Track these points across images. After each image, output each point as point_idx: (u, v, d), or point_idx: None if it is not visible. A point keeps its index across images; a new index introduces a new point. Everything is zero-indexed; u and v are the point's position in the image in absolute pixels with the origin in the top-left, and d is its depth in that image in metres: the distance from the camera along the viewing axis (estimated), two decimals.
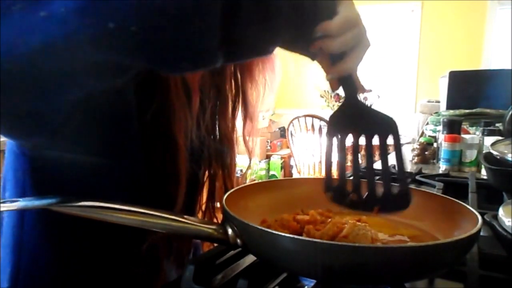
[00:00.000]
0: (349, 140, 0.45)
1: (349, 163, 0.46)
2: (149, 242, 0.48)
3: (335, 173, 0.46)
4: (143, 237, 0.48)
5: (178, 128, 0.49)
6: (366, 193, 0.45)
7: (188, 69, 0.38)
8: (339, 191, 0.45)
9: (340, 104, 0.45)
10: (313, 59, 0.43)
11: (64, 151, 0.44)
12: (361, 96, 0.45)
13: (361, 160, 0.48)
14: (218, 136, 0.62)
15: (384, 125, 0.44)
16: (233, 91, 0.61)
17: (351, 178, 0.46)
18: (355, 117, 0.45)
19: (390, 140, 0.45)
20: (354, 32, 0.40)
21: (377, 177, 0.47)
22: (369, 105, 0.45)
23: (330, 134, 0.45)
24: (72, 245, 0.49)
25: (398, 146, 0.44)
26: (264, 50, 0.37)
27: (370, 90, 3.56)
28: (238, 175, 0.68)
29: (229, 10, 0.31)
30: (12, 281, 0.48)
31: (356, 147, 0.45)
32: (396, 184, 0.46)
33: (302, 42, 0.41)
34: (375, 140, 0.45)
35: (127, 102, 0.46)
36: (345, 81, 0.44)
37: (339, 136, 0.45)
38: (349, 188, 0.45)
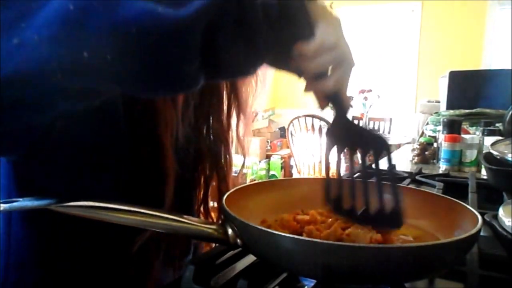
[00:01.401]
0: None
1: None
2: (138, 243, 0.48)
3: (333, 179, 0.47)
4: (130, 237, 0.48)
5: (163, 128, 0.49)
6: (361, 210, 0.45)
7: (167, 93, 0.38)
8: (338, 202, 0.46)
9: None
10: (299, 76, 0.43)
11: (49, 156, 0.43)
12: (351, 111, 0.46)
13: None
14: (211, 136, 0.62)
15: (377, 142, 0.45)
16: (226, 90, 0.61)
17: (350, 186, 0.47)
18: (348, 132, 0.46)
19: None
20: (331, 54, 0.40)
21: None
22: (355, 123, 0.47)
23: (328, 147, 0.46)
24: (61, 249, 0.48)
25: (391, 163, 0.45)
26: (246, 71, 0.36)
27: (370, 90, 3.56)
28: (236, 174, 0.68)
29: (208, 33, 0.31)
30: (1, 285, 0.48)
31: (352, 159, 0.46)
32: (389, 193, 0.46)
33: (284, 61, 0.41)
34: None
35: (112, 104, 0.45)
36: (332, 100, 0.44)
37: (337, 148, 0.46)
38: (346, 199, 0.46)
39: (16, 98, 0.29)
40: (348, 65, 0.42)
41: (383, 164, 0.47)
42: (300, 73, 0.42)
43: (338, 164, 0.46)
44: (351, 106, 0.46)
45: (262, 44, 0.35)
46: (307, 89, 0.43)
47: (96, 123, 0.43)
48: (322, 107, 0.46)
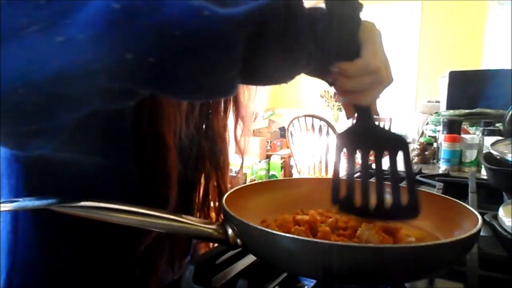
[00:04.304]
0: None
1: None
2: (144, 244, 0.48)
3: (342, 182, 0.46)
4: (136, 238, 0.48)
5: (167, 127, 0.49)
6: (375, 203, 0.45)
7: (202, 98, 0.37)
8: (347, 201, 0.45)
9: (340, 106, 0.45)
10: (330, 85, 0.43)
11: (58, 155, 0.43)
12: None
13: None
14: (211, 136, 0.62)
15: (393, 142, 0.45)
16: None
17: (360, 187, 0.45)
18: (364, 135, 0.45)
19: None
20: (371, 77, 0.40)
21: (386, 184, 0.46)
22: (379, 125, 0.46)
23: (338, 149, 0.45)
24: (66, 250, 0.48)
25: (407, 160, 0.44)
26: (281, 80, 0.36)
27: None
28: (234, 174, 0.68)
29: (252, 39, 0.30)
30: (6, 285, 0.48)
31: (365, 159, 0.45)
32: (405, 192, 0.45)
33: (321, 73, 0.41)
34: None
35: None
36: (362, 109, 0.44)
37: (348, 150, 0.45)
38: (357, 197, 0.45)
39: (58, 95, 0.29)
40: (385, 85, 0.42)
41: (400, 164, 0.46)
42: (333, 84, 0.42)
43: (349, 167, 0.45)
44: (378, 114, 0.46)
45: (303, 57, 0.34)
46: (339, 98, 0.44)
47: (102, 123, 0.43)
48: (350, 116, 0.46)
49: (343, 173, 0.47)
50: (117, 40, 0.26)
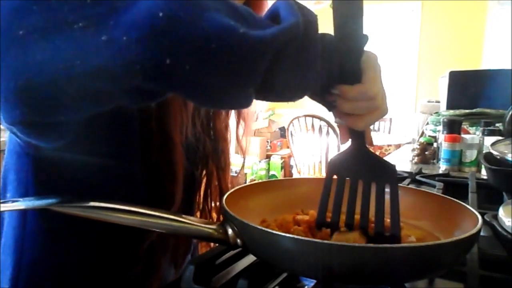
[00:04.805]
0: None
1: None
2: (147, 241, 0.49)
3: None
4: (140, 236, 0.48)
5: (174, 125, 0.50)
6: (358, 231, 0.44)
7: (221, 107, 0.37)
8: (331, 227, 0.45)
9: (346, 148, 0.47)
10: (329, 110, 0.45)
11: (67, 150, 0.44)
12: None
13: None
14: (213, 136, 0.62)
15: (383, 173, 0.45)
16: None
17: (345, 216, 0.45)
18: (356, 162, 0.46)
19: None
20: (368, 103, 0.42)
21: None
22: (372, 152, 0.47)
23: (328, 174, 0.46)
24: (72, 246, 0.49)
25: (394, 197, 0.44)
26: (291, 98, 0.38)
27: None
28: (235, 174, 0.68)
29: (273, 60, 0.32)
30: (13, 281, 0.48)
31: (353, 188, 0.45)
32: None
33: (322, 93, 0.43)
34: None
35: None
36: (356, 134, 0.46)
37: (338, 176, 0.46)
38: (341, 226, 0.45)
39: (94, 91, 0.30)
40: (380, 114, 0.44)
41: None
42: (331, 107, 0.44)
43: (337, 194, 0.45)
44: (372, 144, 0.48)
45: (312, 77, 0.36)
46: (336, 120, 0.46)
47: (109, 121, 0.44)
48: (344, 140, 0.48)
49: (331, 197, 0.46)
50: (158, 45, 0.28)
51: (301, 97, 0.38)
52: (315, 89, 0.40)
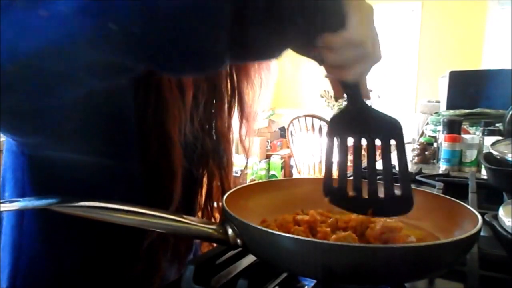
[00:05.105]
0: (350, 141, 0.44)
1: (349, 163, 0.45)
2: (148, 240, 0.49)
3: (335, 174, 0.45)
4: (141, 235, 0.48)
5: (172, 123, 0.49)
6: (367, 196, 0.44)
7: (192, 72, 0.37)
8: (339, 193, 0.44)
9: (340, 106, 0.45)
10: (320, 64, 0.42)
11: (63, 149, 0.44)
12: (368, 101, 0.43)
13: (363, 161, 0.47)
14: (214, 135, 0.62)
15: (386, 128, 0.43)
16: (229, 90, 0.61)
17: (352, 179, 0.45)
18: (357, 119, 0.43)
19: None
20: (356, 50, 0.39)
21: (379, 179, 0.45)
22: (371, 106, 0.43)
23: (330, 136, 0.44)
24: (71, 245, 0.49)
25: (400, 149, 0.42)
26: (270, 54, 0.36)
27: (371, 90, 3.56)
28: (238, 174, 0.68)
29: (238, 13, 0.30)
30: (11, 281, 0.48)
31: (357, 148, 0.43)
32: (398, 185, 0.45)
33: (308, 48, 0.40)
34: (378, 142, 0.43)
35: (125, 99, 0.46)
36: (349, 88, 0.42)
37: (340, 138, 0.44)
38: (349, 190, 0.44)
39: (43, 72, 0.29)
40: (371, 61, 0.41)
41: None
42: (321, 61, 0.41)
43: (341, 158, 0.43)
44: (369, 98, 0.44)
45: (290, 29, 0.34)
46: (326, 75, 0.42)
47: (107, 120, 0.43)
48: (337, 94, 0.44)
49: (336, 162, 0.46)
50: (100, 11, 0.26)
51: (281, 53, 0.36)
52: (297, 43, 0.37)
